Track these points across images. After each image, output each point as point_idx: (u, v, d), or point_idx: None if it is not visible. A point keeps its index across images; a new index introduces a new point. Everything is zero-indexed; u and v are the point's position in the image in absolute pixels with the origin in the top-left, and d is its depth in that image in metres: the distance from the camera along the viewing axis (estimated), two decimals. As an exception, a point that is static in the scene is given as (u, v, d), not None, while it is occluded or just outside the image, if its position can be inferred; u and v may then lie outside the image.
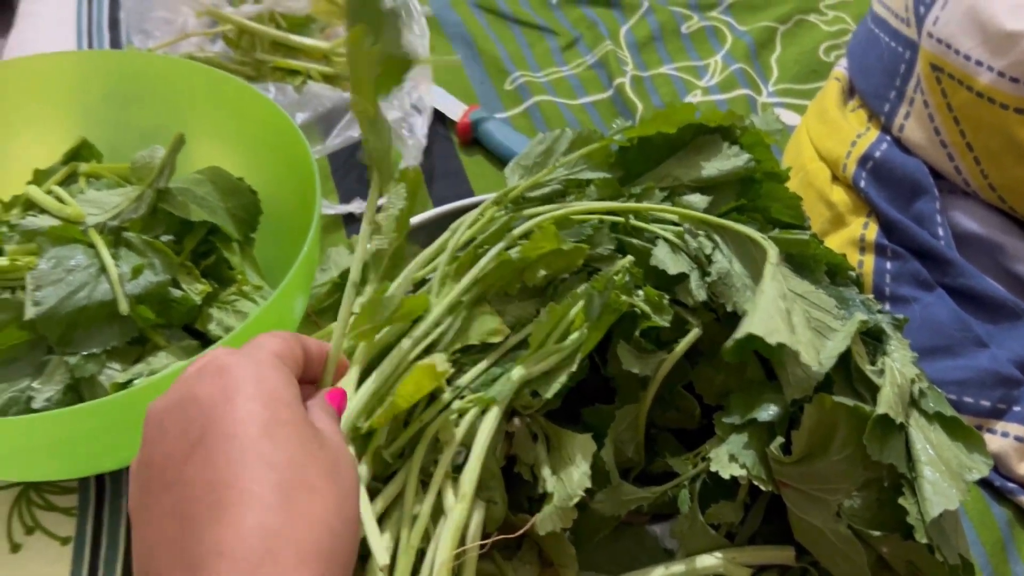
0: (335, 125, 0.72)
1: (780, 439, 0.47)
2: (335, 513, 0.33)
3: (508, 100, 0.80)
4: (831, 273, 0.54)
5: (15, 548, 0.52)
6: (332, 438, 0.37)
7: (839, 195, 0.66)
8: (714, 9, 0.89)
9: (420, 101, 0.75)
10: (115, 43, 0.83)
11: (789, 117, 0.79)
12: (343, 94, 0.74)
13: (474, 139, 0.76)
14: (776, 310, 0.45)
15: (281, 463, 0.32)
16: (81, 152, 0.63)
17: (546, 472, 0.49)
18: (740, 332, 0.44)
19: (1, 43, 1.86)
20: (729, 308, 0.49)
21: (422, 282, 0.57)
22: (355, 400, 0.46)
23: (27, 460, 0.48)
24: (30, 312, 0.50)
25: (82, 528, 0.53)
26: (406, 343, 0.50)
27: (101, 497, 0.54)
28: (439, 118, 0.78)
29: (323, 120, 0.73)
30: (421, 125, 0.74)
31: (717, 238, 0.51)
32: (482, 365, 0.52)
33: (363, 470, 0.46)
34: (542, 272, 0.54)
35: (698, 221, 0.52)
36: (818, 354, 0.46)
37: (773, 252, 0.49)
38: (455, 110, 0.78)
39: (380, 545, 0.42)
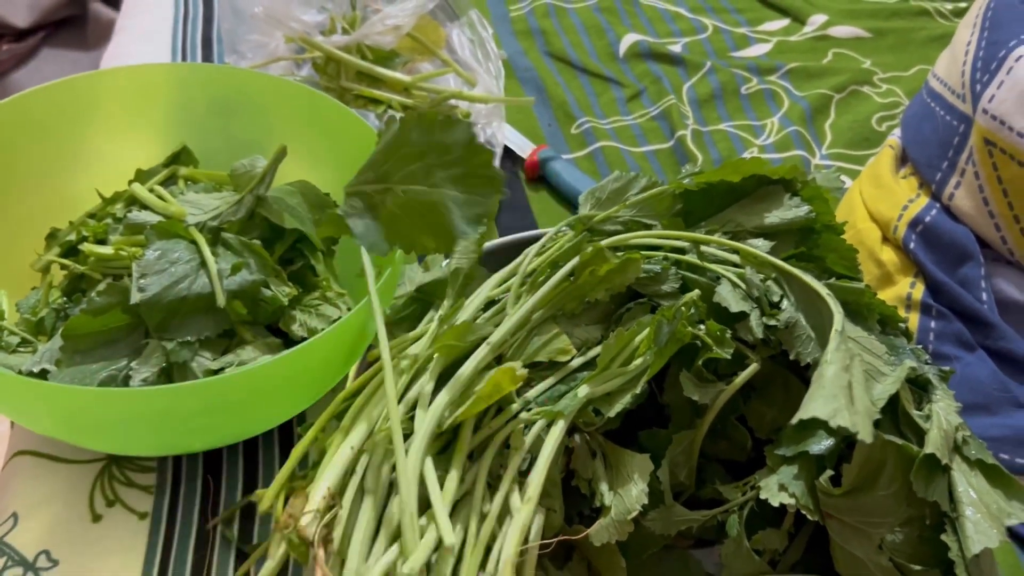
0: (413, 152, 0.76)
1: (829, 472, 0.49)
2: None
3: (574, 143, 0.85)
4: (882, 323, 0.57)
5: (96, 518, 0.55)
6: None
7: (888, 255, 0.69)
8: (773, 74, 0.93)
9: (493, 137, 0.80)
10: (207, 60, 0.88)
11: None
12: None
13: (540, 176, 0.81)
14: (839, 387, 0.48)
15: None
16: (181, 157, 0.68)
17: (603, 487, 0.52)
18: (805, 413, 0.47)
19: (80, 55, 1.94)
20: (792, 357, 0.52)
21: (492, 302, 0.61)
22: (439, 399, 0.49)
23: (124, 433, 0.52)
24: (135, 297, 0.53)
25: (159, 505, 0.56)
26: (482, 351, 0.53)
27: (177, 477, 0.57)
28: (508, 155, 0.82)
29: (401, 147, 0.77)
30: (493, 160, 0.78)
31: (785, 286, 0.54)
32: (549, 381, 0.55)
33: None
34: (604, 290, 0.57)
35: (767, 264, 0.55)
36: (872, 425, 0.48)
37: (839, 318, 0.52)
38: (524, 148, 0.82)
39: (449, 528, 0.45)
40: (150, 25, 0.92)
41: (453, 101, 0.82)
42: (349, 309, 0.61)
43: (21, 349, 0.57)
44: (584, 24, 0.98)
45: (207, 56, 0.89)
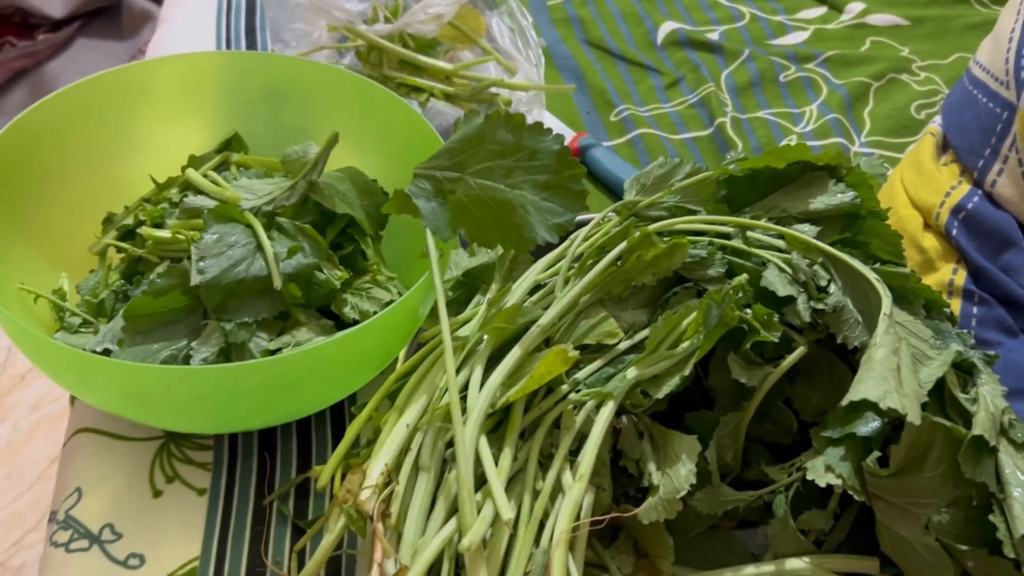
0: (456, 139, 0.77)
1: (876, 453, 0.50)
2: None
3: (613, 130, 0.85)
4: (927, 308, 0.57)
5: (157, 494, 0.57)
6: None
7: (930, 241, 0.70)
8: (811, 62, 0.93)
9: (534, 124, 0.80)
10: (251, 49, 0.90)
11: (879, 168, 0.83)
12: (461, 112, 0.80)
13: (580, 163, 0.81)
14: (888, 370, 0.49)
15: None
16: (232, 143, 0.69)
17: (651, 467, 0.53)
18: (855, 395, 0.48)
19: (115, 45, 1.97)
20: (839, 340, 0.53)
21: (539, 286, 0.62)
22: (493, 378, 0.51)
23: (185, 410, 0.53)
24: (195, 279, 0.55)
25: (217, 481, 0.57)
26: (532, 335, 0.54)
27: (233, 455, 0.59)
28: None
29: (444, 135, 0.78)
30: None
31: (832, 270, 0.55)
32: (597, 363, 0.56)
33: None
34: (650, 274, 0.58)
35: (814, 249, 0.56)
36: (920, 407, 0.49)
37: (887, 301, 0.52)
38: (565, 136, 0.83)
39: (506, 504, 0.46)
40: (194, 15, 0.94)
41: (494, 89, 0.83)
42: (399, 292, 0.62)
43: (83, 329, 0.59)
44: (622, 12, 0.99)
45: (251, 44, 0.90)
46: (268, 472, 0.58)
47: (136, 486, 0.57)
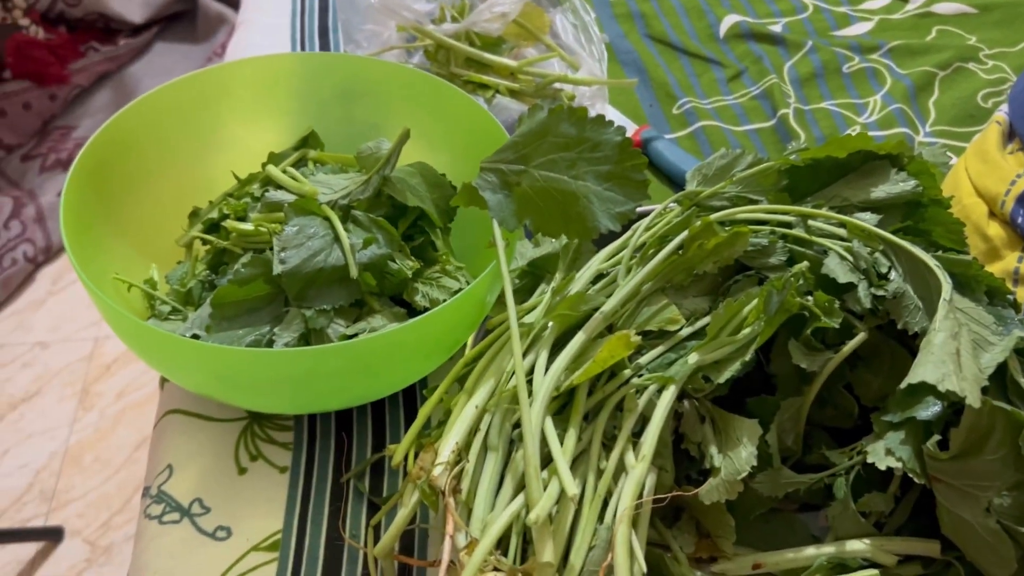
0: (521, 134, 0.80)
1: (937, 436, 0.51)
2: None
3: (675, 123, 0.87)
4: (990, 295, 0.58)
5: (242, 471, 0.60)
6: None
7: (995, 230, 0.70)
8: (875, 52, 0.93)
9: (597, 118, 0.82)
10: (324, 49, 0.93)
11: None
12: (526, 108, 0.82)
13: (643, 155, 0.83)
14: (947, 354, 0.50)
15: None
16: (309, 140, 0.72)
17: (713, 450, 0.55)
18: (914, 377, 0.49)
19: (191, 48, 2.04)
20: (900, 326, 0.54)
21: (602, 275, 0.64)
22: (557, 362, 0.53)
23: (269, 391, 0.57)
24: (277, 269, 0.58)
25: (297, 459, 0.61)
26: (595, 321, 0.56)
27: (313, 435, 0.62)
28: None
29: (510, 130, 0.80)
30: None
31: (892, 257, 0.56)
32: (659, 349, 0.58)
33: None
34: (712, 263, 0.60)
35: (875, 236, 0.57)
36: (980, 390, 0.49)
37: (947, 287, 0.53)
38: (627, 129, 0.85)
39: (570, 480, 0.48)
40: (270, 18, 0.98)
41: (558, 84, 0.85)
42: (467, 281, 0.65)
43: (172, 317, 0.63)
44: (684, 6, 1.00)
45: (324, 45, 0.94)
46: (345, 451, 0.61)
47: (222, 463, 0.60)
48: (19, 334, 1.50)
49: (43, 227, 1.63)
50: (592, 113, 0.84)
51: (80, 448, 1.34)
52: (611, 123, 0.55)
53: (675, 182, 0.81)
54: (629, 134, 0.85)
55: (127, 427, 1.37)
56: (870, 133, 0.85)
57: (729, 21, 0.97)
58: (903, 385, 0.48)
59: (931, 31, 0.96)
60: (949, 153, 0.82)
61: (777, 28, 0.97)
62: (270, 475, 0.60)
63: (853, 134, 0.84)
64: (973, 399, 0.47)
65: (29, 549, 1.23)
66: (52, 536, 1.23)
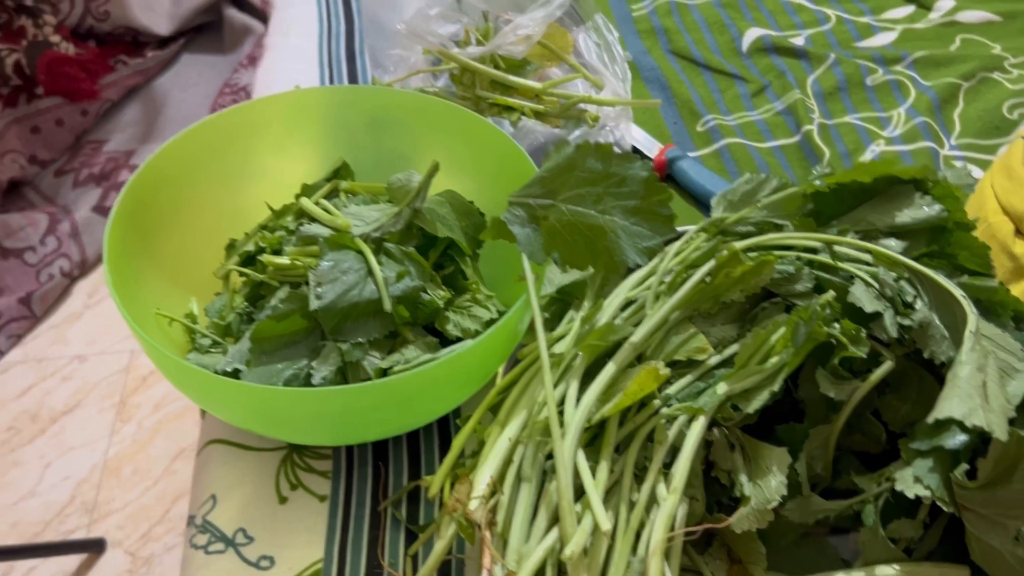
0: (547, 157, 0.81)
1: (964, 465, 0.52)
2: None
3: (700, 140, 0.87)
4: (1016, 319, 0.58)
5: (283, 500, 0.62)
6: None
7: (1022, 248, 0.70)
8: (899, 63, 0.94)
9: (622, 140, 0.83)
10: (351, 73, 0.95)
11: (971, 171, 0.83)
12: (554, 131, 0.83)
13: (668, 175, 0.84)
14: (974, 387, 0.50)
15: None
16: (340, 171, 0.74)
17: (743, 478, 0.56)
18: (940, 412, 0.49)
19: (217, 59, 2.06)
20: (926, 355, 0.54)
21: (630, 301, 0.65)
22: (588, 394, 0.54)
23: (308, 426, 0.58)
24: (314, 304, 0.60)
25: (336, 488, 0.62)
26: (624, 352, 0.57)
27: (351, 464, 0.64)
28: (635, 154, 0.86)
29: (537, 153, 0.81)
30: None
31: (918, 286, 0.56)
32: (687, 378, 0.59)
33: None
34: (739, 291, 0.61)
35: (899, 264, 0.58)
36: (1006, 423, 0.50)
37: (973, 319, 0.54)
38: (651, 148, 0.86)
39: (604, 516, 0.50)
40: (297, 42, 0.99)
41: (582, 105, 0.86)
42: (498, 310, 0.66)
43: (213, 350, 0.65)
44: (706, 20, 1.00)
45: (351, 69, 0.95)
46: (383, 480, 0.63)
47: (264, 493, 0.62)
48: (58, 348, 1.53)
49: (78, 242, 1.66)
50: (617, 133, 0.86)
51: (119, 460, 1.38)
52: (637, 158, 0.56)
53: (701, 202, 0.81)
54: (653, 154, 0.86)
55: (164, 439, 1.40)
56: (895, 147, 0.86)
57: (752, 35, 0.97)
58: (930, 420, 0.49)
59: (955, 40, 0.96)
60: (974, 169, 0.82)
61: (800, 41, 0.97)
62: (310, 504, 0.62)
63: (877, 150, 0.84)
64: (1000, 432, 0.48)
65: (73, 561, 1.26)
66: (95, 548, 1.26)
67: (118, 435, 1.40)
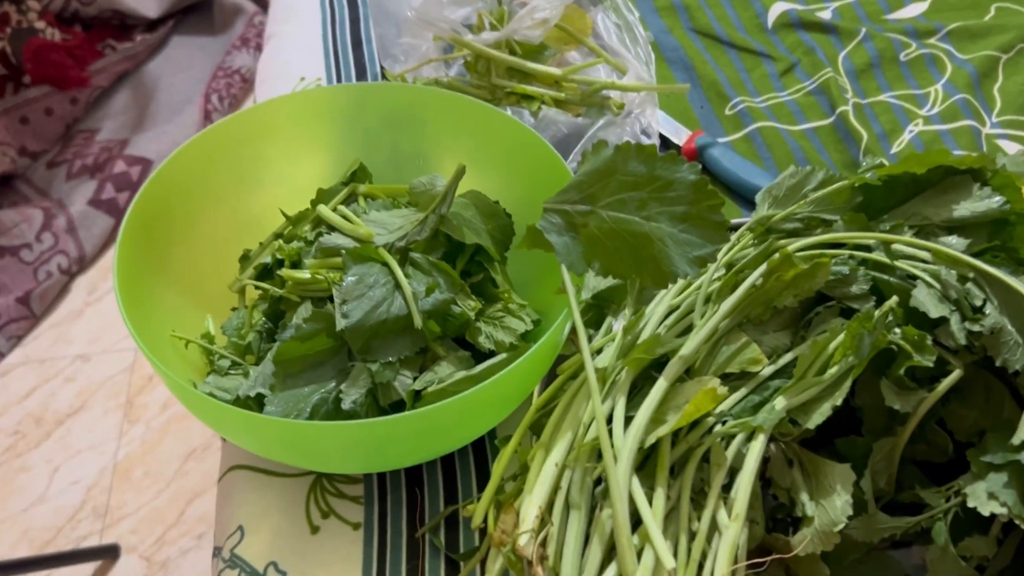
0: (572, 150, 0.77)
1: (1045, 482, 0.49)
2: None
3: (729, 125, 0.83)
4: (1088, 318, 0.55)
5: (314, 530, 0.59)
6: None
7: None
8: (932, 36, 0.89)
9: (649, 127, 0.79)
10: (359, 63, 0.90)
11: (1013, 149, 0.79)
12: (576, 120, 0.79)
13: (699, 164, 0.80)
14: None
15: None
16: (357, 174, 0.70)
17: (804, 497, 0.53)
18: (1019, 438, 0.46)
19: (208, 40, 2.00)
20: (998, 363, 0.51)
21: (672, 308, 0.61)
22: (640, 416, 0.51)
23: (338, 457, 0.55)
24: (340, 324, 0.56)
25: (370, 515, 0.59)
26: (674, 366, 0.54)
27: (383, 487, 0.60)
28: (663, 142, 0.82)
29: (560, 145, 0.77)
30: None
31: (986, 288, 0.53)
32: (741, 392, 0.56)
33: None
34: (792, 296, 0.57)
35: (965, 265, 0.54)
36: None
37: None
38: (680, 134, 0.82)
39: (667, 552, 0.46)
40: (299, 31, 0.95)
41: (605, 91, 0.82)
42: (532, 320, 0.62)
43: (232, 372, 0.61)
44: (727, -6, 0.96)
45: (358, 58, 0.91)
46: (419, 504, 0.59)
47: (294, 522, 0.59)
48: (60, 347, 1.50)
49: (75, 237, 1.62)
50: (643, 120, 0.81)
51: (129, 462, 1.35)
52: (683, 160, 0.52)
53: (735, 192, 0.78)
54: (682, 141, 0.82)
55: (174, 439, 1.37)
56: (933, 127, 0.82)
57: (777, 10, 0.93)
58: (1015, 441, 0.46)
59: (990, 9, 0.91)
60: (1008, 149, 0.78)
61: (827, 15, 0.92)
62: (343, 532, 0.59)
63: (916, 130, 0.81)
64: (1089, 450, 0.45)
65: (87, 569, 1.23)
66: (109, 554, 1.24)
67: (126, 436, 1.37)
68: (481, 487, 0.61)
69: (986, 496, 0.50)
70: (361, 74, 0.89)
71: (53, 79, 1.77)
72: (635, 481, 0.50)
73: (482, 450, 0.62)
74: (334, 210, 0.66)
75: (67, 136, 1.82)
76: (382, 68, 0.84)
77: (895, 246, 0.58)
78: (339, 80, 0.89)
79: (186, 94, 1.89)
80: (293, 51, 0.93)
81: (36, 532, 1.28)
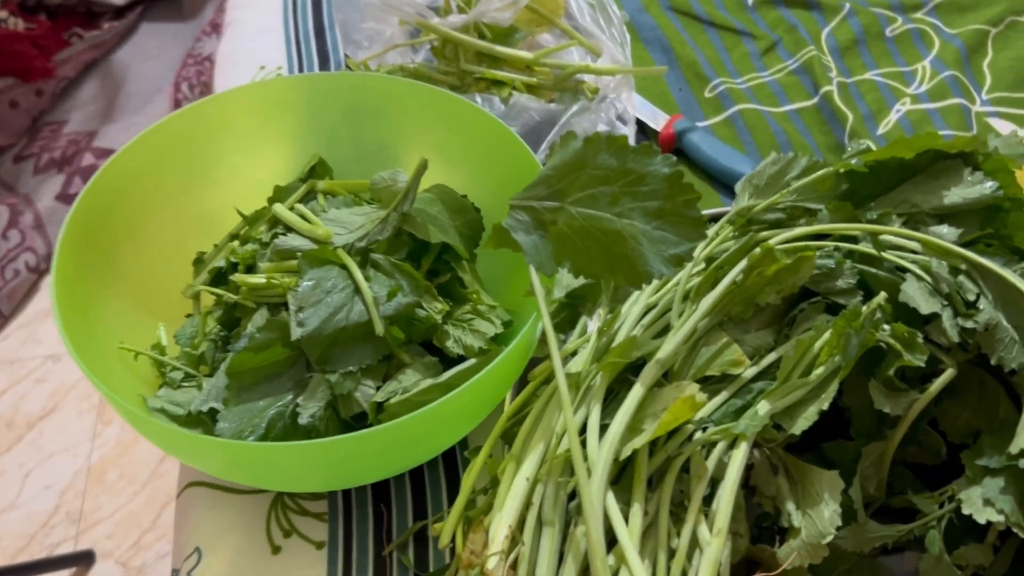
0: (543, 139, 0.73)
1: (1043, 487, 0.46)
2: None
3: (708, 108, 0.80)
4: (1087, 311, 0.52)
5: (276, 550, 0.56)
6: None
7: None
8: (919, 10, 0.86)
9: (625, 112, 0.76)
10: (321, 51, 0.86)
11: (1005, 127, 0.76)
12: (549, 106, 0.75)
13: (677, 149, 0.76)
14: None
15: None
16: (316, 170, 0.66)
17: (790, 507, 0.50)
18: (1016, 447, 0.44)
19: (178, 27, 1.95)
20: (993, 362, 0.48)
21: (649, 307, 0.58)
22: (614, 426, 0.47)
23: (298, 476, 0.52)
24: (296, 333, 0.53)
25: (334, 533, 0.56)
26: (650, 370, 0.51)
27: (348, 503, 0.57)
28: (640, 127, 0.78)
29: (532, 133, 0.74)
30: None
31: (980, 281, 0.50)
32: (723, 396, 0.53)
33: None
34: (774, 292, 0.54)
35: (956, 256, 0.51)
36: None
37: None
38: (657, 119, 0.78)
39: (643, 573, 0.44)
40: (259, 17, 0.91)
41: (579, 75, 0.78)
42: (502, 322, 0.59)
43: (185, 384, 0.58)
44: (705, -30, 0.92)
45: (321, 45, 0.87)
46: (386, 520, 0.56)
47: (254, 543, 0.56)
48: (29, 348, 1.45)
49: (43, 234, 1.57)
50: (619, 104, 0.78)
51: (103, 465, 1.31)
52: (657, 152, 0.49)
53: (715, 179, 0.74)
54: (659, 125, 0.79)
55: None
56: (922, 105, 0.78)
57: (757, -15, 0.89)
58: (1013, 450, 0.43)
59: (977, -19, 0.88)
60: (1000, 128, 0.75)
61: (809, -11, 0.89)
62: (306, 552, 0.55)
63: (903, 109, 0.77)
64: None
65: (62, 576, 1.20)
66: (84, 561, 1.20)
67: (100, 438, 1.33)
68: (452, 500, 0.57)
69: (982, 502, 0.47)
70: (324, 61, 0.85)
71: (17, 70, 1.72)
72: (610, 497, 0.47)
73: (452, 461, 0.59)
74: (291, 209, 0.62)
75: (33, 129, 1.77)
76: (346, 56, 0.80)
77: (883, 237, 0.55)
78: (301, 68, 0.85)
79: (156, 83, 1.84)
80: (253, 40, 0.89)
81: (8, 540, 1.24)
